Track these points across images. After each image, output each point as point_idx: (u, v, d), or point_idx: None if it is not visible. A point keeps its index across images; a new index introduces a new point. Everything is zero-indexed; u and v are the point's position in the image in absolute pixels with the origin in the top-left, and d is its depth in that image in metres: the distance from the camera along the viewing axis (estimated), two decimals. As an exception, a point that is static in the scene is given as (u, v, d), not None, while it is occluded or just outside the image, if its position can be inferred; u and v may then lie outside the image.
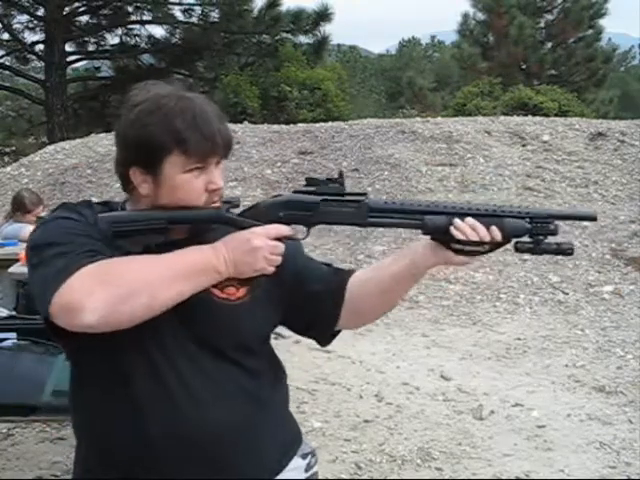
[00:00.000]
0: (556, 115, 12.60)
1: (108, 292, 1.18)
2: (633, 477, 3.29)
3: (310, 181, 1.35)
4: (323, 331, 1.51)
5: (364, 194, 1.35)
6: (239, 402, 1.36)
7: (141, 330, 1.24)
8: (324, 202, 1.33)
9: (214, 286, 1.32)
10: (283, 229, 1.31)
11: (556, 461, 3.42)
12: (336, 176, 1.35)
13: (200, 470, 1.33)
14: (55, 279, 1.19)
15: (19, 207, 4.81)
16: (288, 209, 1.33)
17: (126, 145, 1.32)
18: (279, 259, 1.30)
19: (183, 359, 1.32)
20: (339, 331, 1.52)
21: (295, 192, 1.36)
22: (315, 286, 1.45)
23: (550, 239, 1.33)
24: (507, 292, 6.05)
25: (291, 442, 1.50)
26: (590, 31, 20.31)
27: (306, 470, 1.50)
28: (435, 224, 1.31)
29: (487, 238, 1.31)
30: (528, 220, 1.33)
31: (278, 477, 1.43)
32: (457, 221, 1.30)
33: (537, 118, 9.88)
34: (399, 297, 1.48)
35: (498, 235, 1.31)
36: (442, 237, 1.32)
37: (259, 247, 1.27)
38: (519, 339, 5.17)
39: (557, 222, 1.34)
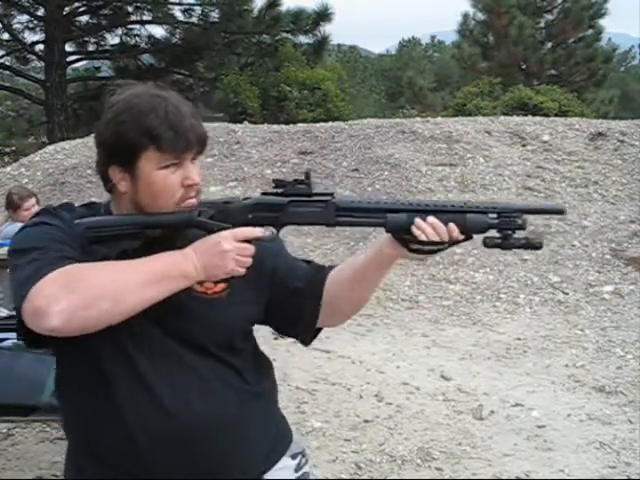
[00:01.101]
0: (556, 115, 12.60)
1: (72, 297, 1.20)
2: (633, 477, 3.29)
3: (278, 183, 1.37)
4: (305, 329, 1.52)
5: (331, 194, 1.37)
6: (222, 398, 1.37)
7: (117, 329, 1.26)
8: (292, 203, 1.36)
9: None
10: (252, 231, 1.33)
11: (556, 461, 3.42)
12: (303, 177, 1.37)
13: (187, 467, 1.34)
14: (25, 284, 1.22)
15: (10, 205, 4.83)
16: (256, 211, 1.35)
17: (103, 144, 1.36)
18: (249, 260, 1.32)
19: (162, 356, 1.34)
20: (320, 329, 1.53)
21: (263, 194, 1.39)
22: (296, 284, 1.47)
23: (519, 234, 1.34)
24: (507, 292, 6.05)
25: (280, 438, 1.50)
26: (590, 31, 20.30)
27: (296, 470, 1.50)
28: (397, 223, 1.33)
29: (446, 237, 1.32)
30: (495, 215, 1.34)
31: (266, 476, 1.44)
32: (418, 221, 1.31)
33: (537, 118, 9.88)
34: (368, 290, 1.48)
35: (456, 232, 1.32)
36: (404, 236, 1.33)
37: (227, 250, 1.29)
38: (519, 339, 5.17)
39: (525, 217, 1.35)
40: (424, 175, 8.00)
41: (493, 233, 1.34)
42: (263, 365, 1.51)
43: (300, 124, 10.08)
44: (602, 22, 20.30)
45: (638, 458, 3.44)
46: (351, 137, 8.91)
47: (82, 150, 9.22)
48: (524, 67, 20.13)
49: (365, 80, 30.58)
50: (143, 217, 1.32)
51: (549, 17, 20.73)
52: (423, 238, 1.31)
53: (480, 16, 20.40)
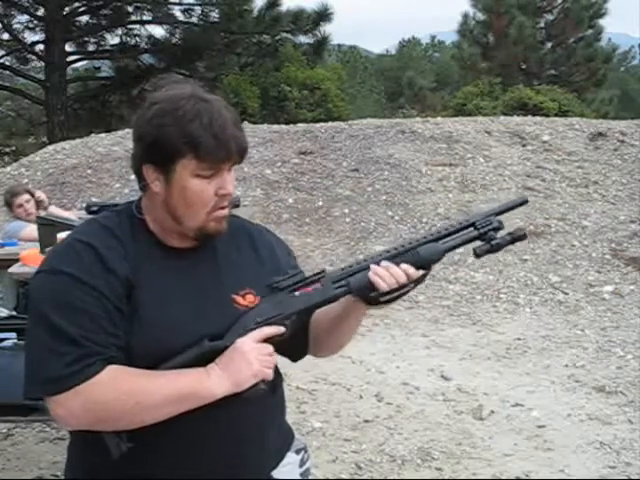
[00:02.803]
0: (556, 115, 12.61)
1: (92, 419, 1.25)
2: (633, 477, 3.29)
3: None
4: (296, 354, 1.55)
5: (322, 272, 1.40)
6: (248, 405, 1.37)
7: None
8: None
9: (235, 293, 1.36)
10: (266, 330, 1.33)
11: (556, 461, 3.42)
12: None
13: (206, 466, 1.35)
14: (49, 380, 1.25)
15: (5, 203, 4.88)
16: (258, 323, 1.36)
17: (141, 142, 1.32)
18: (272, 359, 1.33)
19: None
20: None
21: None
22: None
23: (501, 233, 1.37)
24: (507, 292, 6.04)
25: (286, 435, 1.53)
26: (590, 31, 20.30)
27: (300, 465, 1.53)
28: (358, 284, 1.35)
29: (403, 279, 1.33)
30: (472, 228, 1.38)
31: (274, 473, 1.46)
32: (374, 268, 1.34)
33: (537, 118, 9.88)
34: (342, 339, 1.51)
35: (410, 270, 1.34)
36: (368, 294, 1.35)
37: (248, 350, 1.30)
38: (519, 339, 5.17)
39: (498, 217, 1.39)
40: (424, 175, 8.00)
41: (477, 242, 1.38)
42: (277, 375, 1.51)
43: (300, 124, 10.08)
44: (602, 22, 20.35)
45: (638, 458, 3.44)
46: (351, 137, 8.90)
47: (82, 150, 9.21)
48: (524, 67, 20.13)
49: (365, 80, 30.56)
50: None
51: (549, 17, 20.72)
52: (384, 287, 1.32)
53: (480, 16, 20.41)
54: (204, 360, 1.29)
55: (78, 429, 1.29)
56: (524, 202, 1.47)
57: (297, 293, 1.37)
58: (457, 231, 1.38)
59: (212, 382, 1.27)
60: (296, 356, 1.55)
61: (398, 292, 1.34)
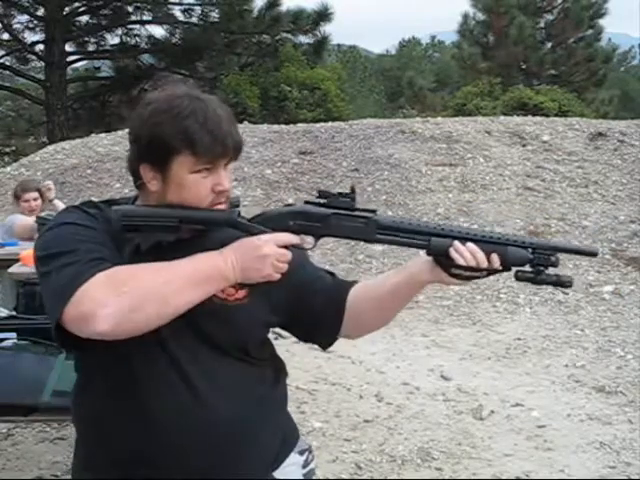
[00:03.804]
0: (556, 115, 12.61)
1: (120, 302, 1.21)
2: (633, 477, 3.29)
3: (322, 193, 1.38)
4: (325, 340, 1.53)
5: (374, 211, 1.38)
6: (244, 399, 1.38)
7: (144, 333, 1.26)
8: (335, 215, 1.36)
9: None
10: (292, 238, 1.33)
11: (556, 461, 3.42)
12: (348, 190, 1.38)
13: (202, 466, 1.35)
14: (66, 288, 1.22)
15: (14, 194, 4.92)
16: (299, 219, 1.36)
17: (137, 141, 1.34)
18: (286, 266, 1.32)
19: (186, 359, 1.34)
20: (338, 338, 1.54)
21: (306, 203, 1.39)
22: (318, 297, 1.47)
23: (550, 270, 1.36)
24: (507, 292, 6.04)
25: (289, 435, 1.52)
26: (590, 31, 20.30)
27: (304, 466, 1.52)
28: (439, 247, 1.34)
29: (484, 264, 1.33)
30: (530, 250, 1.35)
31: (276, 473, 1.45)
32: (457, 244, 1.33)
33: (537, 118, 9.88)
34: (395, 311, 1.49)
35: (497, 263, 1.34)
36: (444, 260, 1.34)
37: (268, 254, 1.29)
38: (519, 339, 5.17)
39: (558, 255, 1.37)
40: (424, 175, 8.00)
41: (525, 267, 1.36)
42: (279, 368, 1.52)
43: (300, 124, 10.08)
44: (602, 22, 20.35)
45: (638, 458, 3.44)
46: (351, 137, 8.91)
47: (82, 150, 9.22)
48: (524, 67, 20.13)
49: (365, 80, 30.56)
50: (182, 211, 1.31)
51: (549, 17, 20.73)
52: (461, 262, 1.32)
53: (480, 16, 20.41)
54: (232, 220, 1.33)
55: (113, 327, 1.21)
56: (593, 254, 1.46)
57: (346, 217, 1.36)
58: (520, 247, 1.36)
59: (227, 269, 1.28)
60: (325, 340, 1.53)
61: (471, 273, 1.33)
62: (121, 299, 1.21)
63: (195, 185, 1.31)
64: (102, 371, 1.36)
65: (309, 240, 1.36)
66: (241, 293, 1.38)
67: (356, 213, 1.36)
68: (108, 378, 1.35)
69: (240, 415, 1.37)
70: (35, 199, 4.77)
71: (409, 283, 1.41)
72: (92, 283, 1.21)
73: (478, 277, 1.35)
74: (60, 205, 4.85)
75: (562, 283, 1.36)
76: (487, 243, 1.34)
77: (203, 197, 1.32)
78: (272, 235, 1.31)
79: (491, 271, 1.34)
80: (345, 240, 6.99)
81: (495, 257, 1.33)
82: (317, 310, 1.46)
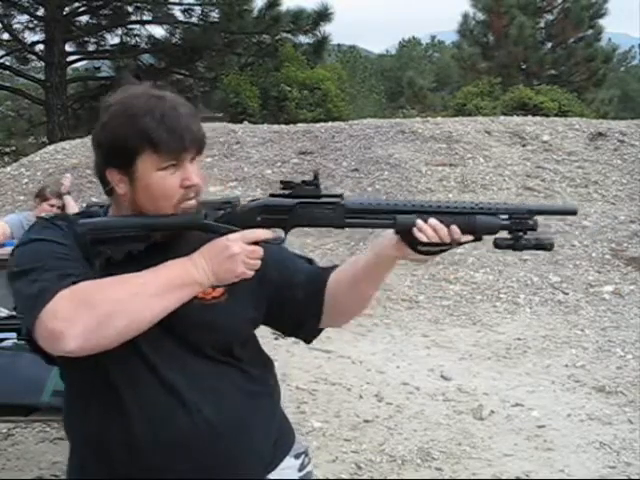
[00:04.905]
0: (556, 115, 12.61)
1: (87, 319, 1.20)
2: (633, 477, 3.29)
3: (285, 184, 1.36)
4: (309, 333, 1.52)
5: (340, 195, 1.36)
6: (229, 400, 1.37)
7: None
8: (300, 205, 1.34)
9: None
10: (260, 233, 1.32)
11: (556, 461, 3.42)
12: (312, 178, 1.36)
13: (192, 469, 1.33)
14: (34, 306, 1.22)
15: (38, 195, 4.85)
16: (265, 213, 1.34)
17: (100, 147, 1.34)
18: (258, 263, 1.31)
19: (164, 362, 1.32)
20: (322, 329, 1.53)
21: (271, 195, 1.37)
22: (297, 286, 1.45)
23: (530, 234, 1.33)
24: (507, 292, 6.04)
25: (283, 438, 1.50)
26: (590, 31, 20.30)
27: (299, 470, 1.50)
28: (406, 224, 1.32)
29: (447, 239, 1.31)
30: (506, 217, 1.33)
31: (270, 476, 1.43)
32: (419, 222, 1.31)
33: (537, 118, 9.88)
34: (370, 292, 1.47)
35: (458, 234, 1.31)
36: (410, 237, 1.32)
37: (237, 253, 1.28)
38: (519, 339, 5.17)
39: (536, 217, 1.34)
40: (424, 175, 8.00)
41: (503, 234, 1.33)
42: (266, 365, 1.50)
43: (300, 124, 10.08)
44: (602, 22, 20.35)
45: (638, 458, 3.44)
46: (351, 137, 8.91)
47: (82, 150, 9.22)
48: (524, 67, 20.13)
49: (365, 80, 30.54)
50: (149, 219, 1.31)
51: (549, 17, 20.73)
52: (424, 239, 1.30)
53: (480, 16, 20.42)
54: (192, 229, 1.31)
55: (80, 343, 1.20)
56: (572, 212, 1.42)
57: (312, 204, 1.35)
58: (488, 214, 1.33)
59: (198, 273, 1.27)
60: (309, 333, 1.52)
61: (439, 247, 1.32)
62: (89, 315, 1.20)
63: (162, 182, 1.30)
64: (82, 381, 1.36)
65: (278, 233, 1.34)
66: (218, 291, 1.37)
67: (323, 200, 1.34)
68: (89, 388, 1.35)
69: (228, 418, 1.35)
70: (51, 205, 4.73)
71: (377, 261, 1.39)
72: (59, 300, 1.21)
73: (445, 250, 1.33)
74: (71, 202, 4.81)
75: (543, 246, 1.34)
76: (453, 215, 1.32)
77: (172, 194, 1.31)
78: (240, 233, 1.30)
79: (460, 243, 1.32)
80: (345, 240, 7.00)
81: (455, 229, 1.31)
82: (298, 304, 1.45)
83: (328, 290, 1.46)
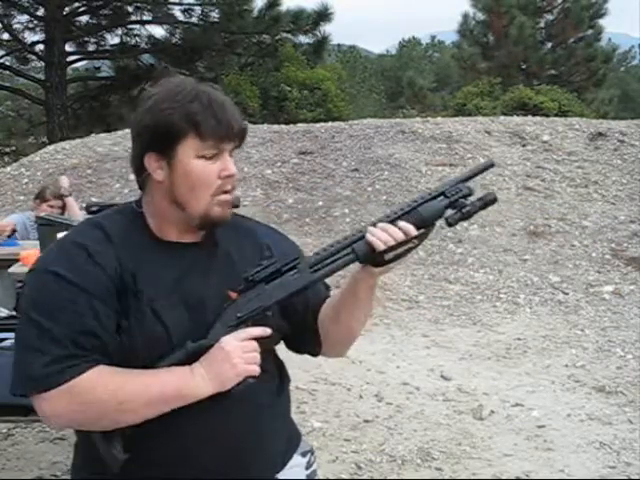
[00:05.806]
0: (556, 115, 12.62)
1: (77, 417, 1.27)
2: (633, 477, 3.29)
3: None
4: (313, 346, 1.53)
5: (296, 258, 1.38)
6: (250, 415, 1.37)
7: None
8: (270, 291, 1.35)
9: (231, 289, 1.35)
10: (252, 331, 1.32)
11: (556, 461, 3.42)
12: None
13: (209, 467, 1.35)
14: (28, 381, 1.25)
15: (38, 195, 4.84)
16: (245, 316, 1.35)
17: (142, 132, 1.33)
18: (256, 355, 1.31)
19: None
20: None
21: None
22: (309, 313, 1.48)
23: (470, 200, 1.37)
24: (507, 292, 6.04)
25: (292, 437, 1.53)
26: (590, 31, 20.30)
27: (306, 468, 1.52)
28: (362, 248, 1.34)
29: (400, 235, 1.32)
30: (442, 197, 1.36)
31: (280, 475, 1.45)
32: (370, 229, 1.33)
33: (537, 118, 9.88)
34: (350, 322, 1.46)
35: (407, 227, 1.33)
36: (373, 258, 1.34)
37: (231, 350, 1.28)
38: (519, 339, 5.17)
39: (468, 184, 1.38)
40: (424, 175, 8.00)
41: (448, 212, 1.37)
42: (284, 375, 1.52)
43: (300, 124, 10.08)
44: (602, 22, 20.35)
45: (638, 458, 3.44)
46: (351, 137, 8.90)
47: (82, 150, 9.21)
48: (524, 67, 20.13)
49: (365, 80, 30.54)
50: None
51: (549, 17, 20.73)
52: (380, 245, 1.31)
53: (480, 16, 20.41)
54: (189, 362, 1.29)
55: (64, 427, 1.35)
56: (490, 165, 1.45)
57: (277, 281, 1.35)
58: (427, 201, 1.36)
59: (196, 383, 1.27)
60: (316, 352, 1.55)
61: (401, 248, 1.33)
62: (79, 416, 1.26)
63: (202, 170, 1.30)
64: None
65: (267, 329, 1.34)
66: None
67: (284, 269, 1.36)
68: None
69: (249, 429, 1.37)
70: (51, 206, 4.73)
71: (350, 289, 1.41)
72: (55, 398, 1.24)
73: (411, 249, 1.34)
74: (73, 204, 4.80)
75: (488, 202, 1.37)
76: (399, 217, 1.34)
77: (210, 182, 1.31)
78: (232, 334, 1.31)
79: (417, 237, 1.33)
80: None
81: (403, 224, 1.32)
82: (302, 320, 1.47)
83: (320, 322, 1.48)
